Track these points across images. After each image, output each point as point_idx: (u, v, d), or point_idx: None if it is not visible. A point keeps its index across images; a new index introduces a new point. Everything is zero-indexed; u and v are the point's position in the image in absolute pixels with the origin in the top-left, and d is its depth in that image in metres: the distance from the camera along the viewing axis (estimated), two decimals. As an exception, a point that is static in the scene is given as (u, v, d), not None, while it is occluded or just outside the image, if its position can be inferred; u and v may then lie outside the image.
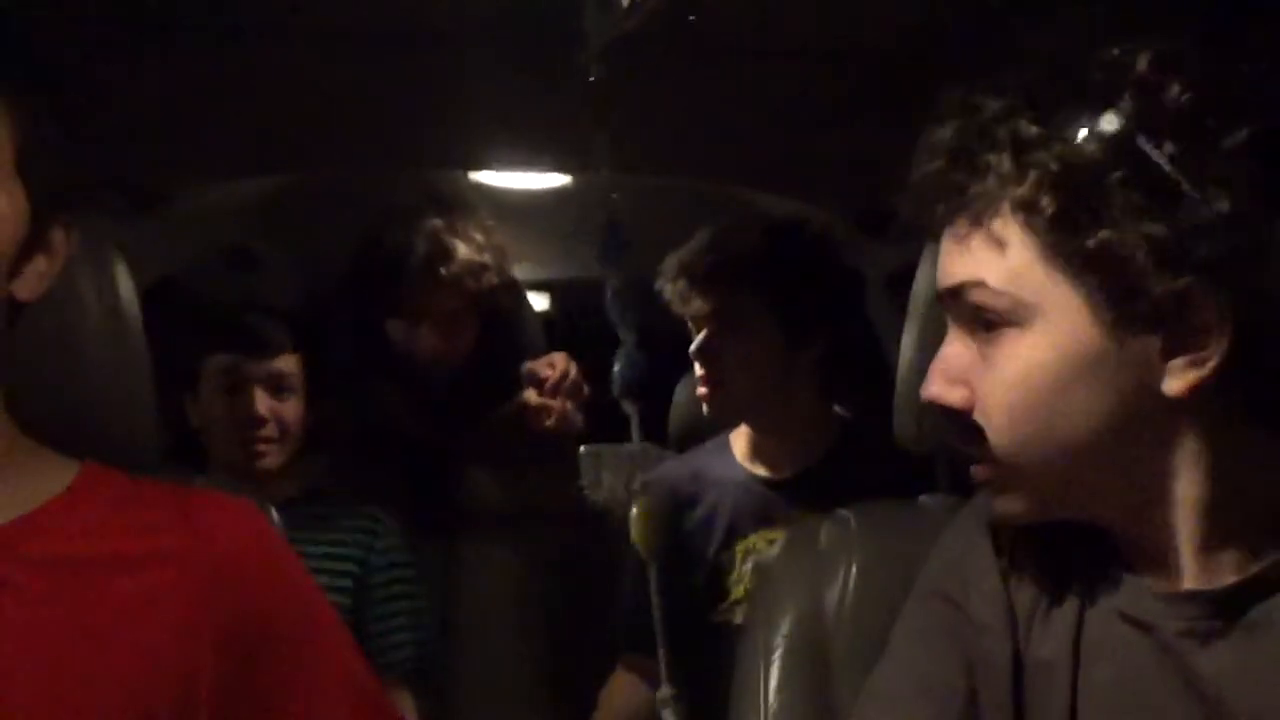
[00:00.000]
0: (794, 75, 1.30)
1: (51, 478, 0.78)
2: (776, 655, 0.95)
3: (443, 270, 1.78)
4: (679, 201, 2.16)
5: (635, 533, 1.02)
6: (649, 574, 1.60)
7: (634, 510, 1.01)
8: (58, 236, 0.77)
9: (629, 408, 1.04)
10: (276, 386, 1.60)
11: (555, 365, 1.82)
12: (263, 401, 1.58)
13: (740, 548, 1.53)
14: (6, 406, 0.77)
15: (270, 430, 1.58)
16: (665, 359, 2.18)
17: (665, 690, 1.02)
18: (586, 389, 1.75)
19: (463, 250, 1.80)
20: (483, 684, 2.03)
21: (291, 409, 1.61)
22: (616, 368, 1.04)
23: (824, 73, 1.29)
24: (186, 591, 0.76)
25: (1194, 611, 0.69)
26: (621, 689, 1.63)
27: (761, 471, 1.58)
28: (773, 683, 0.95)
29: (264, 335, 1.61)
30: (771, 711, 0.94)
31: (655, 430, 2.17)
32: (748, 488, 1.57)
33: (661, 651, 1.05)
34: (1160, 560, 0.71)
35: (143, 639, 0.73)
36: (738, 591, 1.53)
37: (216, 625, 0.76)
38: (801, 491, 1.53)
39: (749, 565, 1.53)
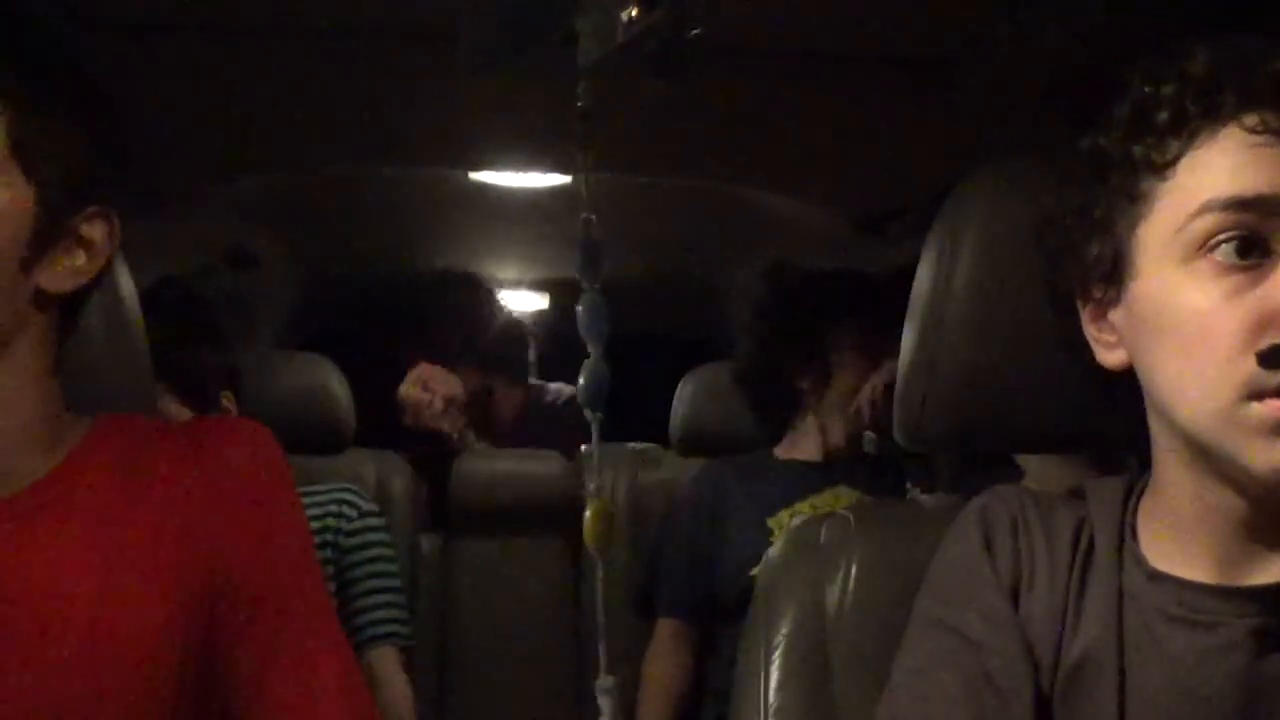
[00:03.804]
0: (794, 76, 1.30)
1: (72, 433, 0.79)
2: (776, 655, 0.95)
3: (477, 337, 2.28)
4: (677, 201, 2.17)
5: (587, 534, 1.02)
6: (683, 543, 1.75)
7: (587, 512, 1.01)
8: (94, 230, 0.76)
9: (590, 417, 1.04)
10: None
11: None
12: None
13: (787, 513, 1.66)
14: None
15: None
16: (672, 366, 2.20)
17: (606, 679, 1.01)
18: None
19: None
20: (480, 677, 2.03)
21: None
22: (582, 380, 1.04)
23: (825, 73, 1.29)
24: (184, 530, 0.76)
25: (1260, 608, 0.66)
26: (663, 660, 1.75)
27: (810, 457, 1.76)
28: (773, 682, 0.95)
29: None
30: (771, 711, 0.94)
31: (656, 431, 2.18)
32: (794, 468, 1.75)
33: (600, 645, 1.05)
34: (1216, 553, 0.69)
35: (149, 592, 0.74)
36: None
37: (204, 550, 0.76)
38: (846, 470, 1.71)
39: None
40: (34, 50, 0.75)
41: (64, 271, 0.75)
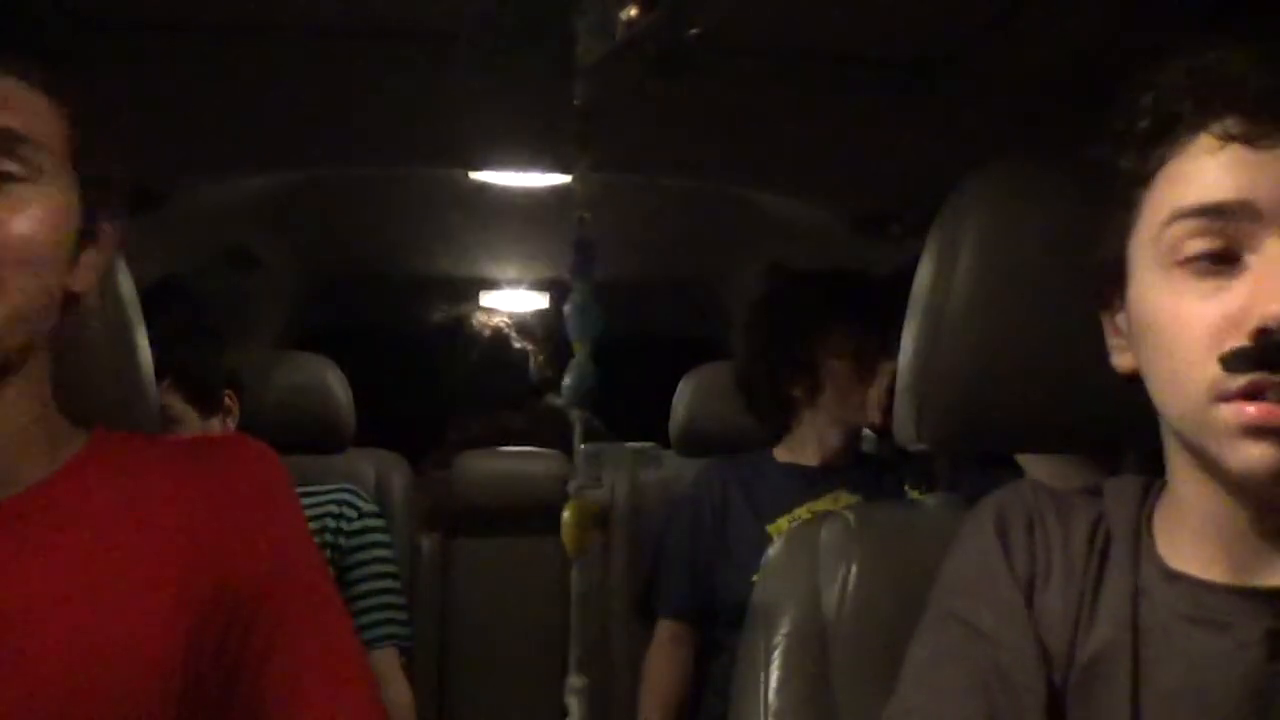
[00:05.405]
0: (794, 76, 1.30)
1: (70, 441, 0.79)
2: (776, 655, 0.95)
3: None
4: (677, 201, 2.17)
5: (566, 537, 1.01)
6: (683, 544, 1.74)
7: (565, 514, 1.00)
8: (105, 229, 0.79)
9: (575, 416, 1.04)
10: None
11: None
12: None
13: (786, 520, 1.64)
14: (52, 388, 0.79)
15: None
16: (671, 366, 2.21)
17: (576, 680, 1.00)
18: None
19: None
20: (480, 677, 2.03)
21: None
22: (567, 379, 1.04)
23: (825, 74, 1.29)
24: (189, 542, 0.76)
25: (1274, 609, 0.67)
26: (664, 660, 1.75)
27: (807, 461, 1.74)
28: (773, 683, 0.95)
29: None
30: (771, 711, 0.94)
31: (657, 430, 2.19)
32: (792, 472, 1.73)
33: (573, 645, 1.04)
34: (1230, 553, 0.69)
35: (147, 600, 0.74)
36: None
37: (212, 564, 0.75)
38: (844, 474, 1.70)
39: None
40: (68, 53, 0.77)
41: (84, 269, 0.78)
